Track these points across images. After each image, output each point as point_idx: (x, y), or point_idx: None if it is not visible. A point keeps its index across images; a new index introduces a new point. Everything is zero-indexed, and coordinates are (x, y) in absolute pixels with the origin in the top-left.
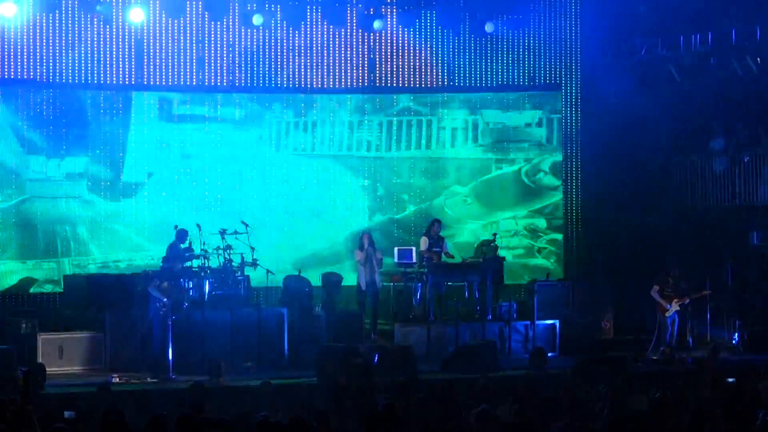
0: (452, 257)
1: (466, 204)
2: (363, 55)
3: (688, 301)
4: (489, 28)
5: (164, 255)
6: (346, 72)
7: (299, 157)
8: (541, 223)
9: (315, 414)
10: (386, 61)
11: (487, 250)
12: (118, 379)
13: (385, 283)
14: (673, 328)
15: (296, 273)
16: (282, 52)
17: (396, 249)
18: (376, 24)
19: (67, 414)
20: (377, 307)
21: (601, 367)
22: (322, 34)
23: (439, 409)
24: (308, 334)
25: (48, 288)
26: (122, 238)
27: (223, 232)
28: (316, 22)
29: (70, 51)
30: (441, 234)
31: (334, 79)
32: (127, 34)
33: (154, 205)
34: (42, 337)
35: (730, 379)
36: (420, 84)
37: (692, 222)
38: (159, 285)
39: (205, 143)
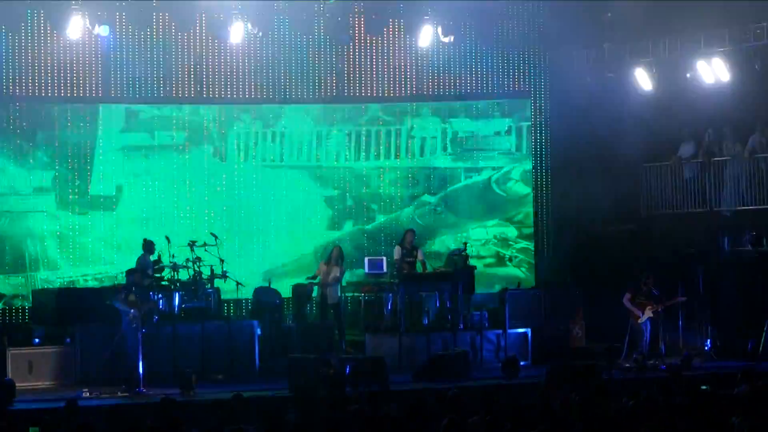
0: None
1: (436, 213)
2: (331, 65)
3: (661, 308)
4: (449, 39)
5: (132, 267)
6: (314, 82)
7: (268, 168)
8: (512, 231)
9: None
10: (354, 71)
11: (458, 259)
12: (88, 394)
13: (355, 294)
14: (645, 335)
15: (266, 284)
16: (250, 62)
17: (366, 259)
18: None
19: (32, 430)
20: (341, 319)
21: (573, 375)
22: (291, 45)
23: (411, 419)
24: (279, 346)
25: (17, 303)
26: (91, 252)
27: (192, 245)
28: (284, 32)
29: (36, 64)
30: (415, 243)
31: (303, 89)
32: (94, 46)
33: (122, 219)
34: (11, 353)
35: (704, 386)
36: (389, 93)
37: (663, 228)
38: (124, 298)
39: (173, 155)
